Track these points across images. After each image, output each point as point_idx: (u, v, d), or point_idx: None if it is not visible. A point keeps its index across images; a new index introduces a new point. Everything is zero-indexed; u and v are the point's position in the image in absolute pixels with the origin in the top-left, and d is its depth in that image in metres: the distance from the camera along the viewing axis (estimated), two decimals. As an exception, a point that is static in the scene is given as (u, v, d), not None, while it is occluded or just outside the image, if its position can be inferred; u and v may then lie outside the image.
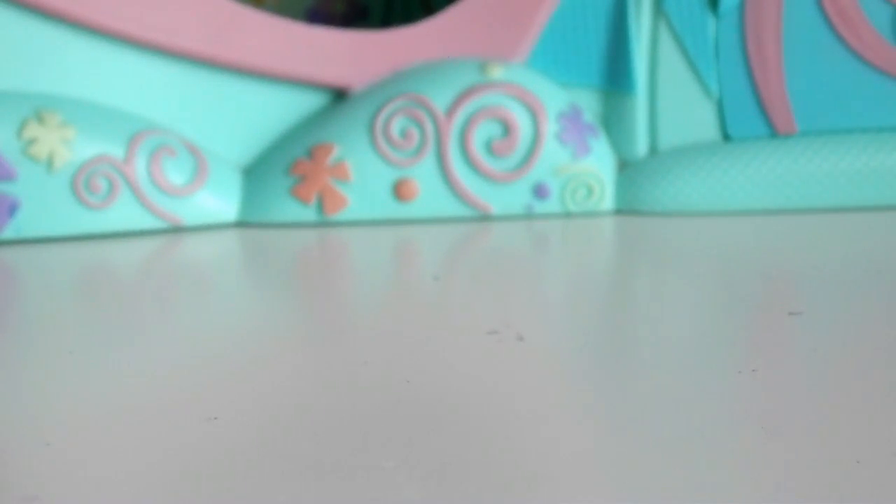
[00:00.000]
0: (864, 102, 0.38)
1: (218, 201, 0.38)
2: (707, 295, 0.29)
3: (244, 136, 0.39)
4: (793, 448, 0.18)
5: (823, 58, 0.38)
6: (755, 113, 0.39)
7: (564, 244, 0.36)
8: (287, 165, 0.38)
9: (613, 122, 0.39)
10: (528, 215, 0.38)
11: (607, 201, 0.39)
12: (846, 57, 0.38)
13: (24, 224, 0.36)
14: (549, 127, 0.38)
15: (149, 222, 0.37)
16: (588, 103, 0.39)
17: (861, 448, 0.18)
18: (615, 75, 0.39)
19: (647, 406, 0.21)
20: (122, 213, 0.37)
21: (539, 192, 0.38)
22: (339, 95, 0.39)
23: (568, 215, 0.38)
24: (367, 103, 0.38)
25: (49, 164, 0.36)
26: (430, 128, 0.37)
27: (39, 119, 0.36)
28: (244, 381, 0.23)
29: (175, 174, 0.37)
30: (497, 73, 0.38)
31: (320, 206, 0.38)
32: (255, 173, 0.39)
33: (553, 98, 0.38)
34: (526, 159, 0.38)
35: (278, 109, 0.39)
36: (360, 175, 0.38)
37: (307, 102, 0.39)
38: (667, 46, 0.39)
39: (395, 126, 0.37)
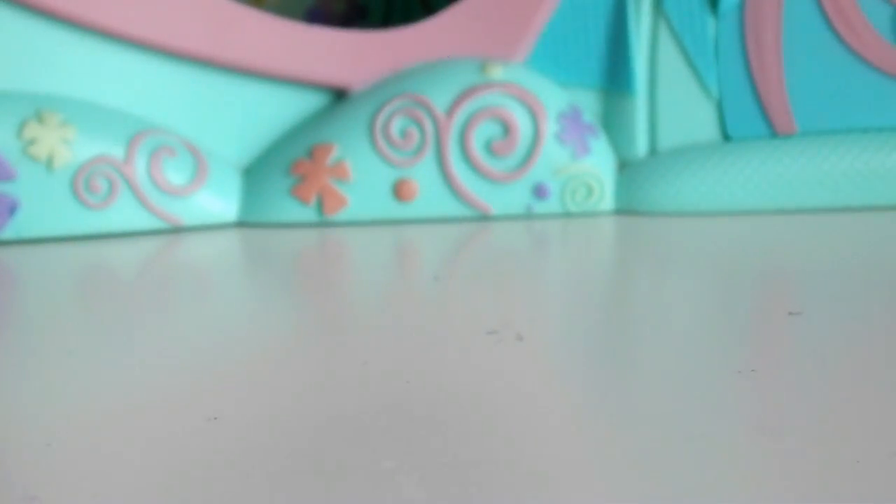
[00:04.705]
0: (863, 102, 0.38)
1: (218, 201, 0.38)
2: (707, 295, 0.29)
3: (244, 136, 0.39)
4: (792, 448, 0.18)
5: (823, 58, 0.38)
6: (755, 113, 0.39)
7: (564, 244, 0.36)
8: (287, 165, 0.38)
9: (613, 122, 0.39)
10: (528, 215, 0.38)
11: (607, 201, 0.39)
12: (846, 57, 0.38)
13: (24, 224, 0.36)
14: (549, 127, 0.38)
15: (149, 222, 0.37)
16: (588, 103, 0.39)
17: (861, 448, 0.18)
18: (615, 75, 0.39)
19: (647, 406, 0.21)
20: (122, 214, 0.37)
21: (539, 192, 0.38)
22: (339, 95, 0.39)
23: (568, 215, 0.38)
24: (367, 103, 0.38)
25: (49, 164, 0.36)
26: (429, 128, 0.37)
27: (39, 119, 0.36)
28: (244, 381, 0.23)
29: (175, 174, 0.37)
30: (497, 73, 0.38)
31: (320, 206, 0.38)
32: (255, 173, 0.39)
33: (553, 98, 0.38)
34: (526, 159, 0.38)
35: (278, 109, 0.39)
36: (360, 175, 0.38)
37: (307, 102, 0.39)
38: (667, 46, 0.39)
39: (395, 126, 0.37)
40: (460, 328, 0.26)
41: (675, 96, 0.39)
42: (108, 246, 0.36)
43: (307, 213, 0.38)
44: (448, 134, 0.37)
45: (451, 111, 0.37)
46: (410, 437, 0.19)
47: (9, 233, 0.36)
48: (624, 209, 0.39)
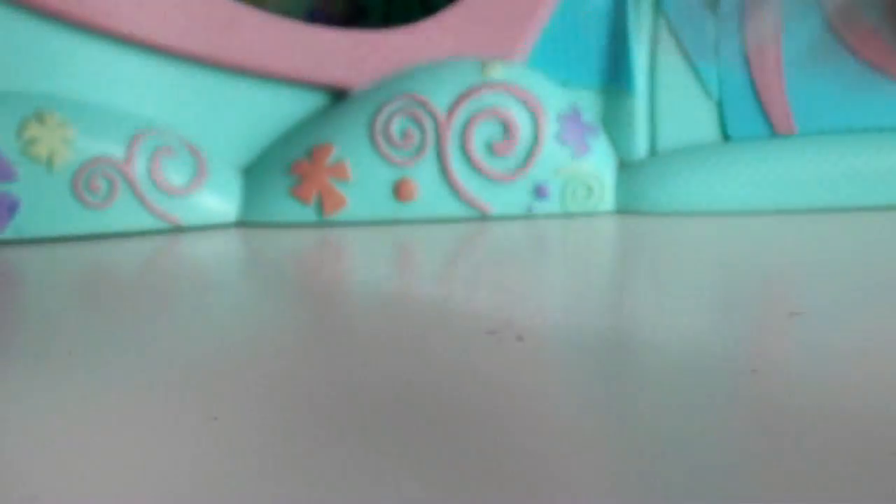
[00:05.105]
0: (863, 102, 0.38)
1: (218, 201, 0.38)
2: (707, 295, 0.29)
3: (244, 136, 0.39)
4: (793, 448, 0.18)
5: (823, 58, 0.38)
6: (755, 113, 0.39)
7: (564, 244, 0.36)
8: (287, 165, 0.38)
9: (613, 122, 0.39)
10: (528, 215, 0.38)
11: (607, 201, 0.39)
12: (846, 57, 0.38)
13: (24, 224, 0.36)
14: (549, 127, 0.38)
15: (149, 222, 0.37)
16: (588, 103, 0.39)
17: (860, 448, 0.18)
18: (615, 75, 0.39)
19: (647, 406, 0.21)
20: (122, 213, 0.37)
21: (539, 192, 0.38)
22: (339, 95, 0.39)
23: (568, 215, 0.38)
24: (367, 103, 0.38)
25: (49, 164, 0.36)
26: (429, 128, 0.37)
27: (39, 119, 0.36)
28: (244, 381, 0.23)
29: (175, 174, 0.37)
30: (497, 73, 0.38)
31: (320, 206, 0.38)
32: (255, 173, 0.39)
33: (553, 98, 0.38)
34: (526, 159, 0.38)
35: (278, 109, 0.39)
36: (360, 175, 0.38)
37: (307, 102, 0.39)
38: (667, 46, 0.39)
39: (395, 126, 0.37)
40: (460, 328, 0.26)
41: (675, 96, 0.39)
42: (108, 246, 0.36)
43: (307, 213, 0.38)
44: (448, 134, 0.37)
45: (451, 111, 0.37)
46: (410, 437, 0.19)
47: (9, 233, 0.36)
48: (624, 209, 0.39)
